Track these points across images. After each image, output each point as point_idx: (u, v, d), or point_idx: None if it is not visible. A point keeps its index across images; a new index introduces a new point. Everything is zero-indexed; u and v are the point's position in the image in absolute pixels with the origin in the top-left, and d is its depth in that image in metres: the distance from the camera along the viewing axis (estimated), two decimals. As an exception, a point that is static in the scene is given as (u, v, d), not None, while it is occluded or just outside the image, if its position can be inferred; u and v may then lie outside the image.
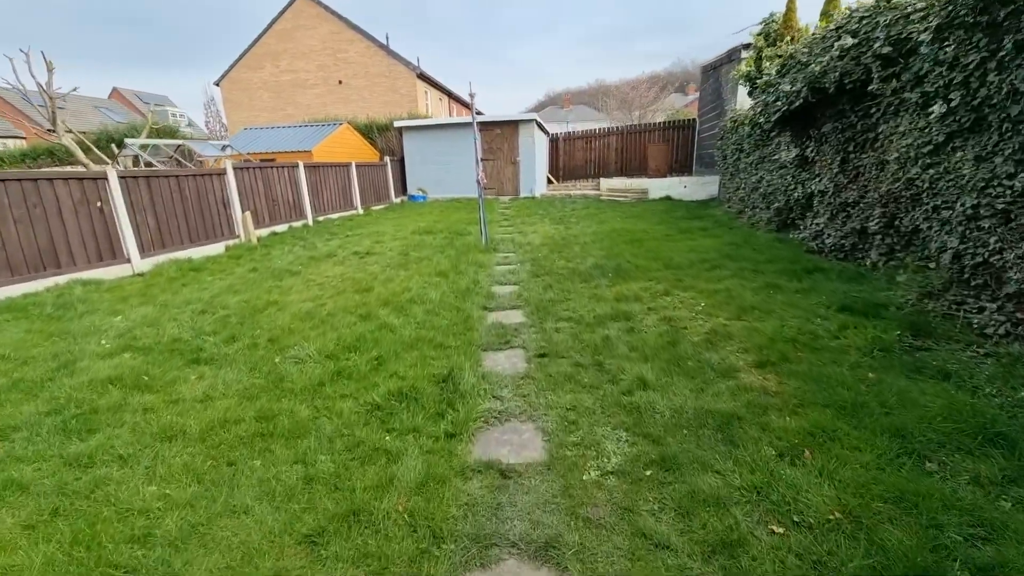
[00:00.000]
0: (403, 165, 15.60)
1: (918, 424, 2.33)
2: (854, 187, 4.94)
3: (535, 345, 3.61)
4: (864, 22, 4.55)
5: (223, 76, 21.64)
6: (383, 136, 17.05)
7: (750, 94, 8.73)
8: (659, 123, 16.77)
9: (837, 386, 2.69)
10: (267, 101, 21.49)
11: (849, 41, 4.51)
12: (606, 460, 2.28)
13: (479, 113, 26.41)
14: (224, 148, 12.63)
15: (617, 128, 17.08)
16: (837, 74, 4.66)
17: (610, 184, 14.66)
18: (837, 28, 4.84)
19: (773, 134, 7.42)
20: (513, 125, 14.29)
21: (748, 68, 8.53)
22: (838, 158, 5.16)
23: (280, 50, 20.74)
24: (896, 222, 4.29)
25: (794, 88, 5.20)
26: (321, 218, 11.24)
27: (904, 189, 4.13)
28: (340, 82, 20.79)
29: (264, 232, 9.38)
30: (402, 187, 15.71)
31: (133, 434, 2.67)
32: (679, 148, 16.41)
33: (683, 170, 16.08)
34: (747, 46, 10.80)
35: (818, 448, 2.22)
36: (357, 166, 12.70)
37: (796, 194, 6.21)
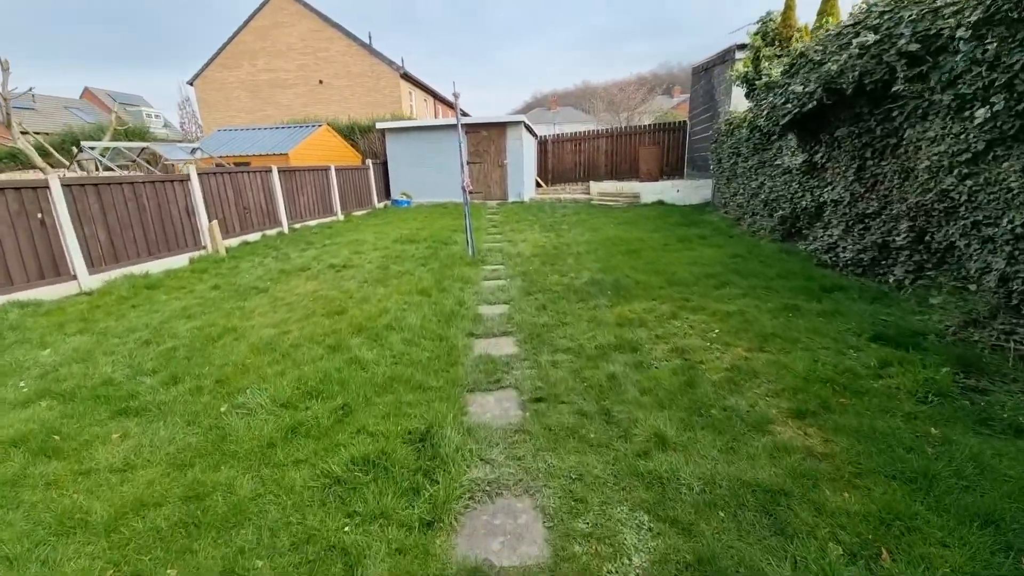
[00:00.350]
0: (386, 168, 15.00)
1: (1007, 504, 1.88)
2: (872, 197, 4.54)
3: (530, 385, 3.11)
4: (886, 17, 4.15)
5: (197, 75, 20.76)
6: (365, 138, 16.41)
7: (748, 96, 8.36)
8: (650, 125, 16.43)
9: (897, 447, 2.23)
10: (244, 101, 20.66)
11: (871, 38, 4.10)
12: (626, 561, 1.78)
13: (464, 114, 25.69)
14: (194, 151, 11.89)
15: (607, 130, 16.70)
16: (856, 74, 4.25)
17: (600, 188, 14.25)
18: (855, 24, 4.44)
19: (774, 138, 7.04)
20: (500, 127, 13.80)
21: (746, 69, 8.16)
22: (854, 165, 4.76)
23: (258, 48, 19.94)
24: (927, 237, 3.89)
25: (807, 89, 4.79)
26: (298, 225, 10.60)
27: (937, 201, 3.72)
28: (321, 82, 20.07)
29: (234, 242, 8.73)
30: (385, 191, 15.10)
31: (28, 522, 2.10)
32: (670, 151, 16.08)
33: (674, 173, 15.76)
34: (742, 46, 10.46)
35: (895, 543, 1.76)
36: (337, 170, 12.08)
37: (804, 202, 5.82)
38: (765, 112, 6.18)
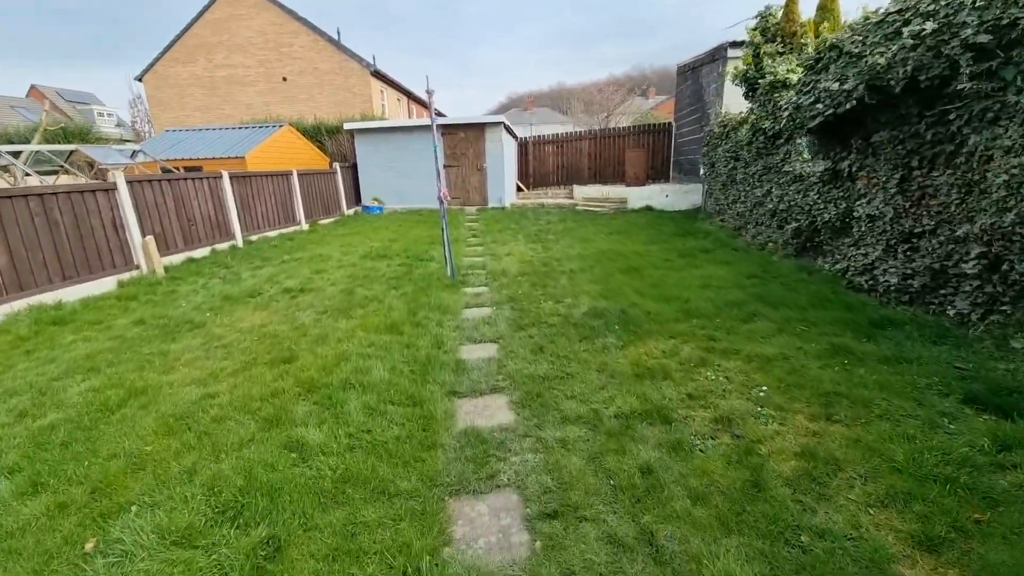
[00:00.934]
0: (356, 172, 13.93)
1: None
2: (922, 213, 3.89)
3: (536, 484, 2.28)
4: (943, 3, 3.49)
5: (146, 70, 19.14)
6: (334, 140, 15.29)
7: (748, 96, 7.75)
8: (634, 127, 15.83)
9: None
10: (200, 99, 19.16)
11: (928, 27, 3.43)
12: None
13: (440, 114, 24.58)
14: (134, 155, 10.60)
15: (589, 132, 16.02)
16: (908, 68, 3.58)
17: (585, 192, 13.55)
18: (901, 11, 3.78)
19: (780, 141, 6.42)
20: (479, 128, 12.93)
21: (745, 67, 7.54)
22: (896, 175, 4.10)
23: (215, 42, 18.50)
24: (1003, 266, 3.23)
25: (844, 87, 4.11)
26: (255, 237, 9.50)
27: (1019, 224, 3.06)
28: (284, 79, 18.77)
29: (177, 259, 7.62)
30: (355, 197, 14.02)
31: None
32: (655, 153, 15.52)
33: (659, 177, 15.21)
34: (737, 44, 9.90)
35: None
36: (300, 174, 10.99)
37: (826, 215, 5.17)
38: (787, 113, 5.52)
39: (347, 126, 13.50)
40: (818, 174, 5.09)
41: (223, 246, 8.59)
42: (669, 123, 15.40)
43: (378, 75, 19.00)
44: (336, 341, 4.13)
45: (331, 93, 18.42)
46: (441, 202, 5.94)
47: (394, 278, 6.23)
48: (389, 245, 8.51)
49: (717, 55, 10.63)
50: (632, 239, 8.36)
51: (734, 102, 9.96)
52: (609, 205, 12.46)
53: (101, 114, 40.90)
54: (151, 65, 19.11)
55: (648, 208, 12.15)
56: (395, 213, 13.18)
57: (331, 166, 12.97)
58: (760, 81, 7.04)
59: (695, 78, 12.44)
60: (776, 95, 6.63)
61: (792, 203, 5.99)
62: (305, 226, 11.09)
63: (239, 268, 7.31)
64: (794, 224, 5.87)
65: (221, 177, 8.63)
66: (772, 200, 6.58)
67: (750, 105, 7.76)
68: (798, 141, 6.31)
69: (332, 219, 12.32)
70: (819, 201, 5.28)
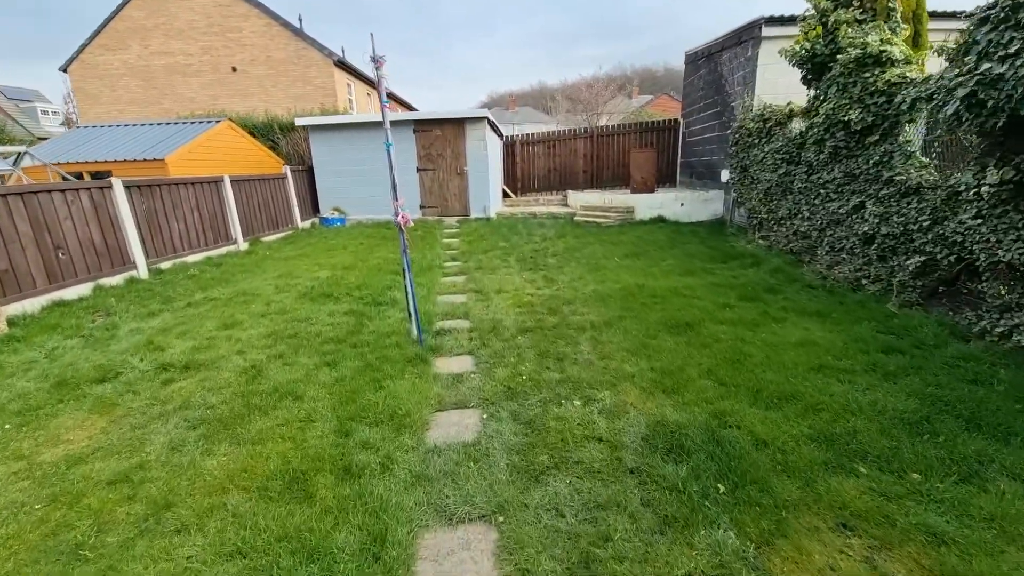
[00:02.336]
0: (313, 177, 11.76)
1: None
2: None
3: None
4: None
5: (72, 58, 16.51)
6: (289, 139, 13.08)
7: (809, 80, 5.95)
8: (639, 124, 13.97)
9: None
10: (135, 91, 16.63)
11: None
12: None
13: (409, 108, 22.09)
14: (17, 159, 8.26)
15: (586, 130, 14.12)
16: None
17: (583, 200, 11.67)
18: None
19: (873, 139, 4.61)
20: (458, 124, 10.91)
21: (810, 42, 5.73)
22: None
23: (150, 25, 16.01)
24: None
25: None
26: (168, 263, 7.32)
27: None
28: (234, 69, 16.40)
29: (36, 304, 5.42)
30: (312, 206, 11.85)
31: None
32: (660, 155, 13.75)
33: (664, 181, 13.43)
34: (774, 19, 8.13)
35: None
36: (235, 181, 8.81)
37: (1001, 251, 3.34)
38: (961, 94, 3.63)
39: (299, 122, 11.32)
40: (993, 187, 3.25)
41: (114, 280, 6.39)
42: (675, 120, 13.63)
43: (343, 66, 16.79)
44: (194, 514, 2.11)
45: (287, 86, 16.14)
46: (400, 230, 3.92)
47: (334, 340, 4.21)
48: (342, 276, 6.46)
49: (745, 36, 8.84)
50: (658, 265, 6.47)
51: (770, 90, 8.21)
52: (614, 215, 10.59)
53: (46, 112, 37.54)
54: (77, 53, 16.51)
55: (660, 219, 10.32)
56: (359, 226, 11.06)
57: (284, 170, 10.78)
58: (838, 57, 5.22)
59: (711, 66, 10.67)
60: (867, 75, 4.83)
61: (910, 227, 4.18)
62: (243, 245, 8.91)
63: (123, 317, 5.19)
64: (919, 258, 4.04)
65: (112, 188, 6.43)
66: (866, 220, 4.76)
67: (812, 92, 5.96)
68: (905, 139, 4.51)
69: (281, 234, 10.15)
70: (983, 229, 3.45)
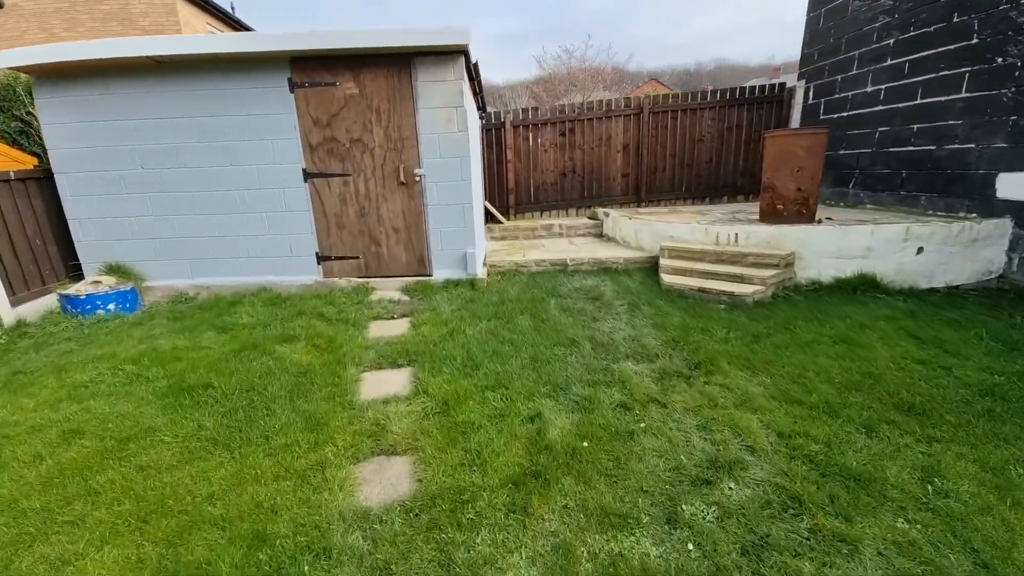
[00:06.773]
0: (55, 189, 5.08)
1: None
2: None
3: None
4: None
5: None
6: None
7: None
8: (726, 93, 8.06)
9: None
10: None
11: None
12: None
13: (240, 27, 10.75)
14: None
15: (628, 103, 8.20)
16: None
17: (662, 233, 5.76)
18: None
19: None
20: (397, 63, 4.73)
21: None
22: None
23: None
24: None
25: None
26: None
27: None
28: (1, 5, 9.24)
29: None
30: (62, 258, 5.17)
31: None
32: (747, 147, 8.12)
33: (739, 192, 7.79)
34: None
35: None
36: None
37: None
38: None
39: (4, 61, 4.61)
40: None
41: None
42: (780, 86, 8.02)
43: (203, 2, 10.01)
44: None
45: (94, 27, 9.18)
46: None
47: None
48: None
49: None
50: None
51: None
52: (754, 273, 4.72)
53: None
54: None
55: (866, 278, 4.57)
56: (173, 310, 4.57)
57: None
58: None
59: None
60: None
61: None
62: None
63: None
64: None
65: None
66: None
67: None
68: None
69: None
70: None
